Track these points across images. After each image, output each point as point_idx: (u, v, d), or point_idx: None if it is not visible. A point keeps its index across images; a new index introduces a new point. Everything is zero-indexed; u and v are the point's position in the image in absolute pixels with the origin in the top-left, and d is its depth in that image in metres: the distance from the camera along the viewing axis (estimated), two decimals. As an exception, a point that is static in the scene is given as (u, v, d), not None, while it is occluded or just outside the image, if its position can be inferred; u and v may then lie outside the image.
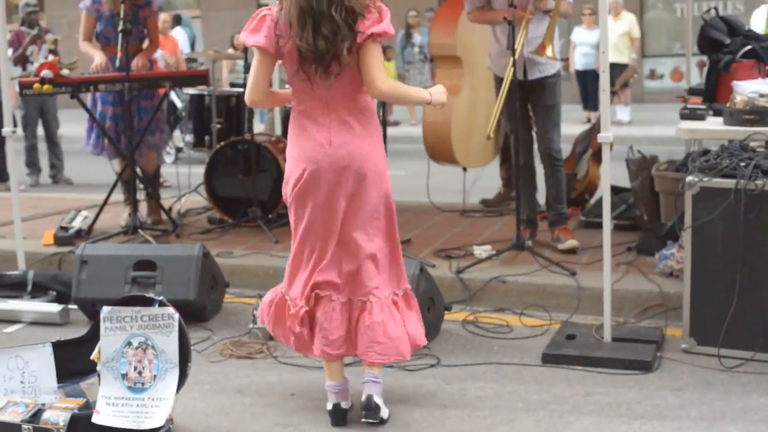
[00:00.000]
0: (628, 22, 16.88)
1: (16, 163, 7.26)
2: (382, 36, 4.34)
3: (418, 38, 17.72)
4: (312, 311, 4.59)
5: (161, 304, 4.59)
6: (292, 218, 4.62)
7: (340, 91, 4.45)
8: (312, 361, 5.25)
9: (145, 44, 8.25)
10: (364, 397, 4.58)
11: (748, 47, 6.59)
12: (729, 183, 5.10)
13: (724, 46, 6.73)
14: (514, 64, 6.52)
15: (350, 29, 4.30)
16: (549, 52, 6.67)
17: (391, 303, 4.58)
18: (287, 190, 4.59)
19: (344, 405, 4.63)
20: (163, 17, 14.42)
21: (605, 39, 5.58)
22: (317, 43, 4.31)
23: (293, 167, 4.55)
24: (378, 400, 4.57)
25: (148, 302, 4.64)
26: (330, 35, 4.30)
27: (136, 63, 7.93)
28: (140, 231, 7.58)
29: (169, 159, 10.58)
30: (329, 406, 4.63)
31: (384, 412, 4.59)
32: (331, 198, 4.49)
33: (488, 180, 9.03)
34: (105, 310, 4.61)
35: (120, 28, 7.51)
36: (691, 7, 8.88)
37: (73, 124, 13.29)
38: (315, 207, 4.50)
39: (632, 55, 16.95)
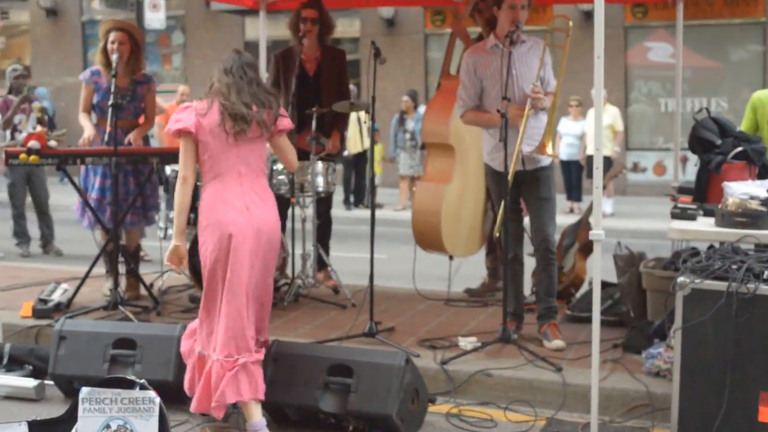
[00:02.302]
0: (611, 115, 17.01)
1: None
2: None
3: (410, 124, 17.74)
4: None
5: (142, 387, 4.51)
6: None
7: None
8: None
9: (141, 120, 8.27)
10: None
11: (739, 149, 6.62)
12: (721, 285, 5.07)
13: (715, 147, 6.75)
14: (523, 160, 6.61)
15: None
16: (549, 149, 6.69)
17: None
18: None
19: None
20: (182, 89, 14.38)
21: (600, 137, 5.63)
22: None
23: None
24: None
25: (129, 384, 4.56)
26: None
27: (132, 138, 7.94)
28: (121, 307, 7.47)
29: (160, 233, 10.52)
30: None
31: None
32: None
33: (471, 267, 8.99)
34: (84, 391, 4.53)
35: (110, 102, 7.48)
36: (680, 102, 8.94)
37: (62, 194, 13.27)
38: None
39: (615, 148, 17.06)
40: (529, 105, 6.59)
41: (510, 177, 6.57)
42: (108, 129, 7.68)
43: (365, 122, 6.99)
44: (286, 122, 5.59)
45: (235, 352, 5.19)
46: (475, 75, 6.86)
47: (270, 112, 5.45)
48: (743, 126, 7.99)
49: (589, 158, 16.28)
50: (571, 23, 6.70)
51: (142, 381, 4.56)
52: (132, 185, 8.00)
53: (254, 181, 5.43)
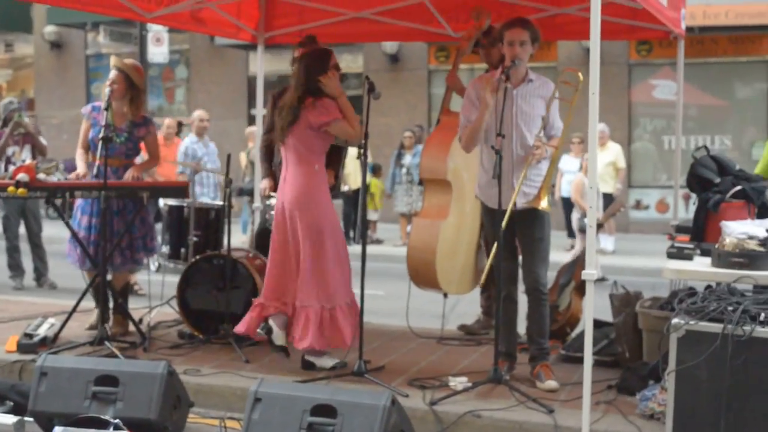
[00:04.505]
0: (613, 152, 16.86)
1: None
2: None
3: (407, 159, 17.61)
4: None
5: (116, 427, 4.38)
6: None
7: None
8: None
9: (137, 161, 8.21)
10: None
11: (738, 187, 6.52)
12: (716, 327, 4.97)
13: (713, 185, 6.65)
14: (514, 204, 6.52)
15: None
16: (544, 203, 6.53)
17: None
18: None
19: None
20: (168, 122, 14.10)
21: (594, 174, 5.52)
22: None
23: None
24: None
25: (104, 424, 4.43)
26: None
27: (128, 174, 7.88)
28: (107, 343, 7.35)
29: (153, 267, 10.49)
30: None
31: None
32: None
33: (467, 305, 8.86)
34: (57, 430, 4.40)
35: (101, 135, 7.40)
36: (680, 140, 8.84)
37: (58, 228, 13.08)
38: None
39: (617, 185, 16.91)
40: (530, 156, 6.51)
41: (504, 221, 6.45)
42: (97, 162, 7.60)
43: (357, 158, 6.90)
44: (315, 119, 6.88)
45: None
46: (477, 103, 6.72)
47: (289, 123, 6.94)
48: (760, 165, 7.94)
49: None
50: (581, 76, 6.59)
51: (117, 421, 4.43)
52: (117, 226, 7.90)
53: (291, 167, 7.00)
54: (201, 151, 12.73)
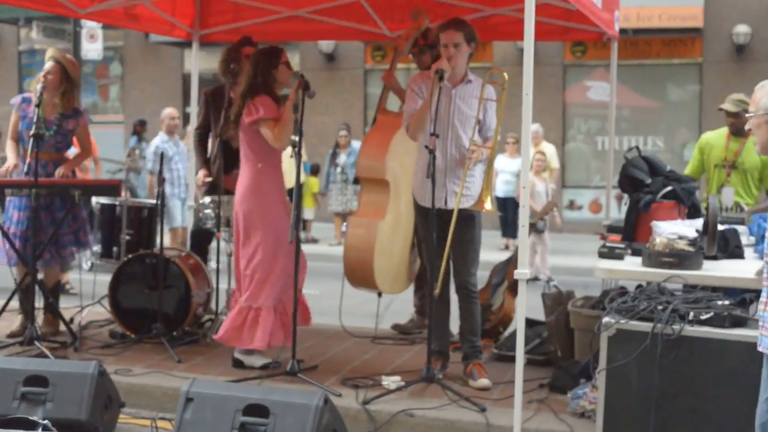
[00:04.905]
0: (547, 152, 16.94)
1: None
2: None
3: (342, 158, 17.57)
4: None
5: (45, 428, 4.32)
6: None
7: None
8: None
9: (70, 153, 8.09)
10: None
11: (669, 188, 6.60)
12: (646, 326, 5.02)
13: (644, 186, 6.72)
14: (446, 200, 6.45)
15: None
16: (488, 205, 6.59)
17: None
18: None
19: None
20: None
21: (526, 174, 5.54)
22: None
23: None
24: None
25: (33, 425, 4.37)
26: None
27: (59, 171, 7.76)
28: (37, 343, 7.24)
29: (85, 266, 10.37)
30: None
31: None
32: None
33: (401, 304, 8.87)
34: (-17, 431, 4.33)
35: (32, 132, 7.30)
36: (613, 141, 8.93)
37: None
38: None
39: (551, 185, 16.99)
40: (467, 160, 6.55)
41: (453, 220, 6.49)
42: (28, 159, 7.50)
43: (291, 156, 6.87)
44: (248, 117, 6.88)
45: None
46: (421, 94, 6.73)
47: (234, 123, 7.02)
48: (690, 166, 8.02)
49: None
50: (506, 75, 6.64)
51: (46, 422, 4.37)
52: (45, 222, 7.77)
53: (241, 165, 7.12)
54: (172, 151, 12.46)
